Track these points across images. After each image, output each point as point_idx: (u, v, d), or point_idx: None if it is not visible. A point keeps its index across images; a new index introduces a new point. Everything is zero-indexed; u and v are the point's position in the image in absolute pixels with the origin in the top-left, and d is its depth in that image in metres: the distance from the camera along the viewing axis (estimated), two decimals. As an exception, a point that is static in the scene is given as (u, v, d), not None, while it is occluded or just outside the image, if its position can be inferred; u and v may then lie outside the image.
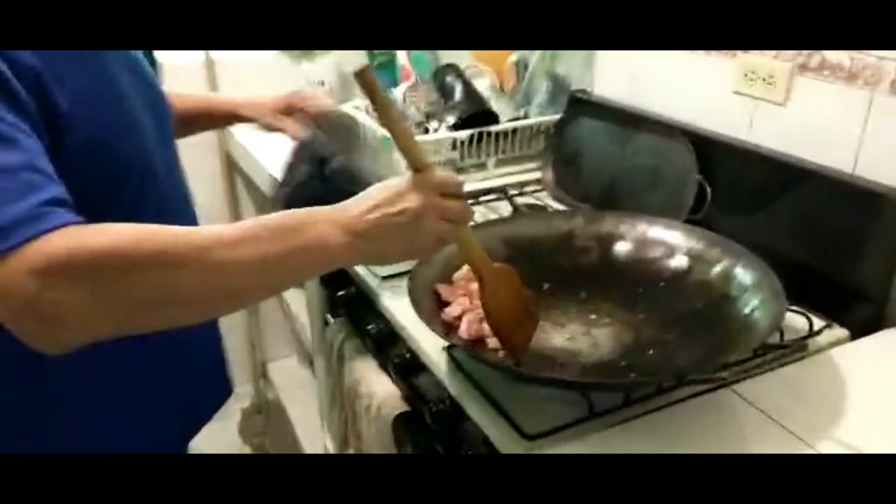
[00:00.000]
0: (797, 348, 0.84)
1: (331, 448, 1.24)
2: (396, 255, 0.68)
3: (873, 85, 0.91)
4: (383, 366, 1.02)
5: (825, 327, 0.89)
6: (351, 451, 1.19)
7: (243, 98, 1.11)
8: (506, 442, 0.73)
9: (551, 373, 0.78)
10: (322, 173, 0.95)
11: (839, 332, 0.89)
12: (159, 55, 1.73)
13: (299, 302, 1.77)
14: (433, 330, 0.77)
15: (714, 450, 0.70)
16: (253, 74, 1.84)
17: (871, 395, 0.77)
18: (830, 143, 0.97)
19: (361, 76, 0.64)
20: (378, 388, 1.02)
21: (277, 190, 0.99)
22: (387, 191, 0.65)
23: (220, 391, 0.97)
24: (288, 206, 0.77)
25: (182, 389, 0.86)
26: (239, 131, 1.84)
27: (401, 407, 0.98)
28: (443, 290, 0.85)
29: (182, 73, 1.79)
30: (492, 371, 0.79)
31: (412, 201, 0.64)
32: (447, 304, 0.84)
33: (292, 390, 2.07)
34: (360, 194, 0.66)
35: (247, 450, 2.02)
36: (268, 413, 2.12)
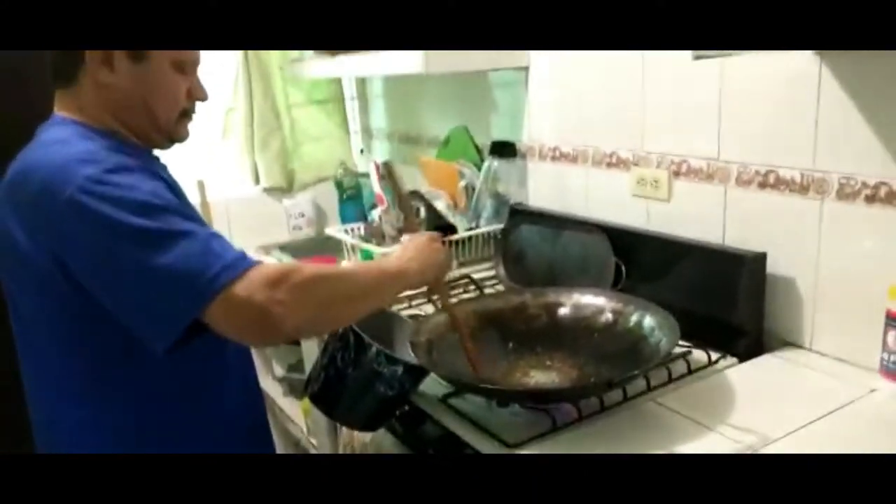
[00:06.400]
0: (701, 368, 1.16)
1: None
2: (433, 270, 1.10)
3: (724, 181, 1.28)
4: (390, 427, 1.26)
5: (720, 357, 1.20)
6: None
7: None
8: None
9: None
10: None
11: (731, 359, 1.21)
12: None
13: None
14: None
15: (647, 442, 0.98)
16: (241, 207, 2.15)
17: (757, 399, 1.08)
18: (704, 225, 1.33)
19: (386, 167, 1.17)
20: (380, 441, 1.26)
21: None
22: (409, 243, 1.12)
23: None
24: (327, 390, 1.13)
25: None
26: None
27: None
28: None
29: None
30: (480, 409, 1.07)
31: (424, 239, 1.12)
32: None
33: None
34: (395, 251, 1.14)
35: None
36: None
